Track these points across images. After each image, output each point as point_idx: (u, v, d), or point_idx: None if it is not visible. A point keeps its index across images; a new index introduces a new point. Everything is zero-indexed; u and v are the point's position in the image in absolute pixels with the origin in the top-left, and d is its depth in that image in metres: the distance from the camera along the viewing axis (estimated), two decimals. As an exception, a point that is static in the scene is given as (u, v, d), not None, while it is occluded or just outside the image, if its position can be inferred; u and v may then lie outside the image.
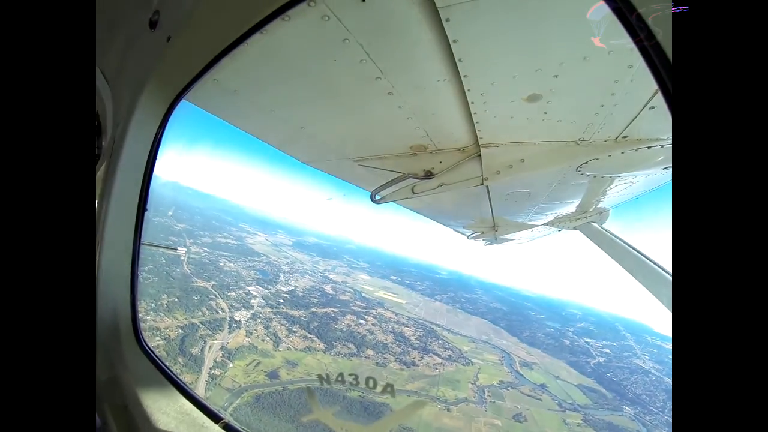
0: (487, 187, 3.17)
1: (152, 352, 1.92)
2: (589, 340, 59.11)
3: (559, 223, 6.28)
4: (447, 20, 1.53)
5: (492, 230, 6.78)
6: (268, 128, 3.00)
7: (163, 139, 2.00)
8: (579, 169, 3.11)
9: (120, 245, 1.97)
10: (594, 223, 5.68)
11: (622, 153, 2.80)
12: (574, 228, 6.17)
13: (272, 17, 1.25)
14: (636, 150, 2.77)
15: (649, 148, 2.73)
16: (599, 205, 5.26)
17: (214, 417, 1.46)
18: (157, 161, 2.03)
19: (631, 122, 2.49)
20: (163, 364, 1.87)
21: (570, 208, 5.38)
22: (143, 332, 1.98)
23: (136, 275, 2.01)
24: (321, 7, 1.37)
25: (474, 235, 7.84)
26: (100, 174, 3.53)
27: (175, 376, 1.73)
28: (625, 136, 2.67)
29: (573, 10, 1.58)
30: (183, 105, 1.94)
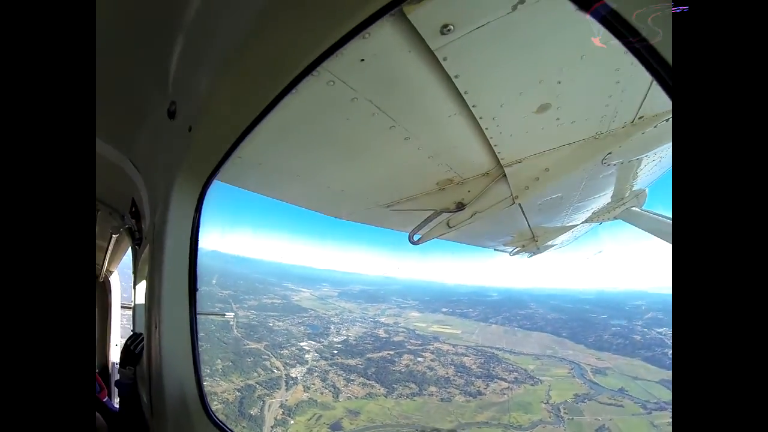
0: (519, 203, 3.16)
1: (223, 423, 1.96)
2: (660, 329, 54.38)
3: (598, 217, 6.11)
4: (444, 59, 1.61)
5: (532, 241, 6.64)
6: (296, 192, 3.17)
7: (201, 218, 2.14)
8: (604, 160, 3.07)
9: (178, 322, 2.09)
10: (633, 207, 5.50)
11: (643, 133, 2.77)
12: (615, 218, 5.98)
13: (282, 95, 1.36)
14: (655, 126, 2.74)
15: (668, 120, 2.69)
16: (634, 189, 5.12)
17: None
18: (199, 240, 2.17)
19: (642, 102, 2.48)
20: None
21: (605, 199, 5.25)
22: (210, 403, 2.03)
23: (197, 350, 2.10)
24: (324, 74, 1.48)
25: (516, 250, 7.67)
26: (145, 255, 3.78)
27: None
28: (641, 117, 2.65)
29: (559, 18, 1.63)
30: (214, 183, 2.09)
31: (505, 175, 2.87)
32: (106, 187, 3.82)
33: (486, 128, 2.25)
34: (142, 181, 2.87)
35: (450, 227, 3.20)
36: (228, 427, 1.92)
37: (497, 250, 8.19)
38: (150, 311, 2.40)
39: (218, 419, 1.98)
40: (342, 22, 1.13)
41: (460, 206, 3.02)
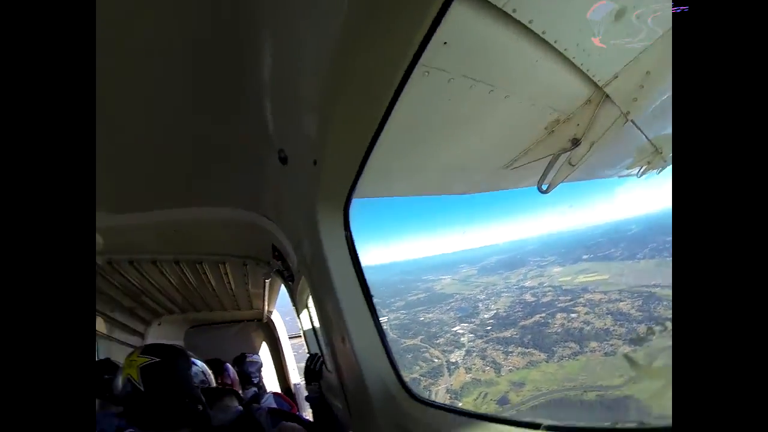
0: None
1: (425, 399, 2.14)
2: None
3: (725, 103, 5.15)
4: (514, 11, 1.61)
5: (657, 155, 5.88)
6: (421, 184, 3.40)
7: (353, 237, 2.42)
8: (705, 35, 2.64)
9: (365, 329, 2.37)
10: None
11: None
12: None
13: (393, 104, 1.49)
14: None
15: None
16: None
17: (531, 426, 1.37)
18: (358, 255, 2.43)
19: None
20: (453, 407, 2.05)
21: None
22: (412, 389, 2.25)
23: (388, 346, 2.37)
24: (419, 68, 1.58)
25: (642, 170, 6.86)
26: (302, 286, 4.27)
27: (468, 410, 1.82)
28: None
29: None
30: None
31: (608, 95, 2.69)
32: (247, 244, 4.47)
33: (573, 57, 2.15)
34: (276, 227, 3.30)
35: (572, 165, 3.04)
36: (429, 401, 2.10)
37: (621, 176, 7.43)
38: (329, 329, 2.76)
39: (420, 396, 2.18)
40: (422, 21, 1.21)
41: (576, 142, 2.87)
